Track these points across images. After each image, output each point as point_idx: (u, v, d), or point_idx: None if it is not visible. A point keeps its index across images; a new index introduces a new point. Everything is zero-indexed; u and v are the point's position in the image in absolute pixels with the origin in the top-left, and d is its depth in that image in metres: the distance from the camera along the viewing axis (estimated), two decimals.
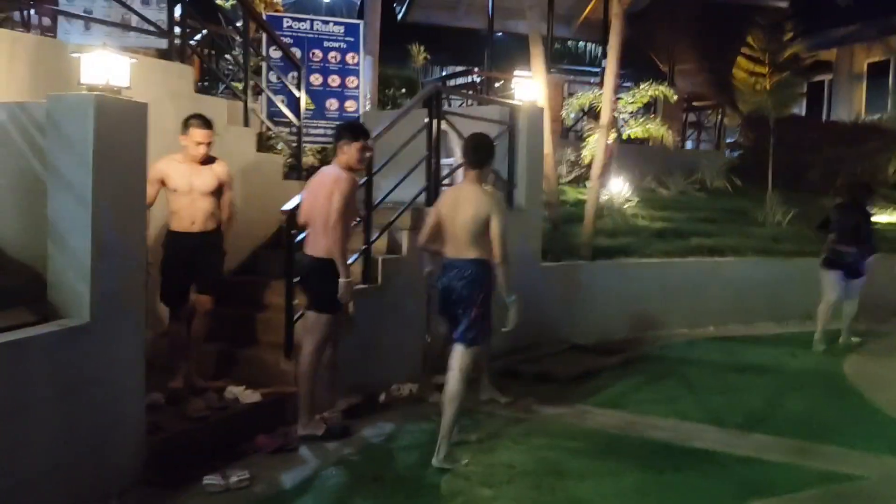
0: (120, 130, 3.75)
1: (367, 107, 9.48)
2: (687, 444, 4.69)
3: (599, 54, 16.08)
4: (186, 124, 4.78)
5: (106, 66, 3.86)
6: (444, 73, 15.71)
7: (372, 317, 5.44)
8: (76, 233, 3.63)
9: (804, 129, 12.19)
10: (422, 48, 12.60)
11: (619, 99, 9.58)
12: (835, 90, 17.32)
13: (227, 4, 8.45)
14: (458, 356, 4.35)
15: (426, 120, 6.12)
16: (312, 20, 8.61)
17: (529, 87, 7.52)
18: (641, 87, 9.55)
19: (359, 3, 13.35)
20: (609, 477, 4.18)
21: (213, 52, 8.79)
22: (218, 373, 5.15)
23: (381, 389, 5.50)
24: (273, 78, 8.13)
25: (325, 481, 4.09)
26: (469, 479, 4.11)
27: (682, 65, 14.63)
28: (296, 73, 7.54)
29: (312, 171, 7.88)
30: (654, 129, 9.62)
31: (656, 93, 9.49)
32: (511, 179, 7.04)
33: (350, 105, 8.69)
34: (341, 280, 4.51)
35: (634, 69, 12.67)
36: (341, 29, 8.65)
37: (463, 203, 4.35)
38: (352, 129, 4.75)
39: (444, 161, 6.43)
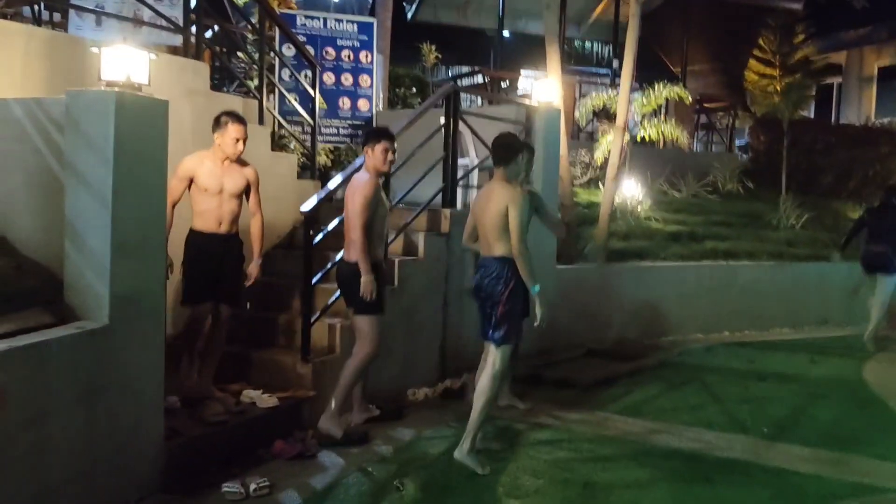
0: (141, 128, 3.67)
1: (380, 106, 9.34)
2: (714, 454, 4.59)
3: (608, 55, 15.99)
4: (219, 122, 4.62)
5: (126, 61, 3.75)
6: (451, 74, 15.57)
7: (387, 320, 5.33)
8: (95, 232, 3.54)
9: (816, 132, 12.05)
10: (433, 47, 12.48)
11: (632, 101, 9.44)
12: (844, 93, 17.22)
13: (241, 1, 8.31)
14: (490, 355, 4.42)
15: (442, 120, 6.04)
16: (326, 18, 8.49)
17: (545, 87, 7.40)
18: (656, 88, 9.41)
19: (370, 1, 13.22)
20: (638, 489, 4.08)
21: (224, 49, 8.68)
22: (234, 376, 5.03)
23: (395, 394, 5.41)
24: (286, 76, 8.03)
25: (348, 489, 4.00)
26: (493, 489, 4.02)
27: (693, 65, 14.50)
28: (309, 72, 7.42)
29: (326, 170, 7.85)
30: (669, 130, 9.49)
31: (671, 94, 9.34)
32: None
33: (363, 104, 8.56)
34: (363, 278, 4.52)
35: (644, 69, 12.53)
36: (354, 27, 8.53)
37: (488, 201, 4.44)
38: (376, 133, 4.87)
39: (458, 161, 6.34)
